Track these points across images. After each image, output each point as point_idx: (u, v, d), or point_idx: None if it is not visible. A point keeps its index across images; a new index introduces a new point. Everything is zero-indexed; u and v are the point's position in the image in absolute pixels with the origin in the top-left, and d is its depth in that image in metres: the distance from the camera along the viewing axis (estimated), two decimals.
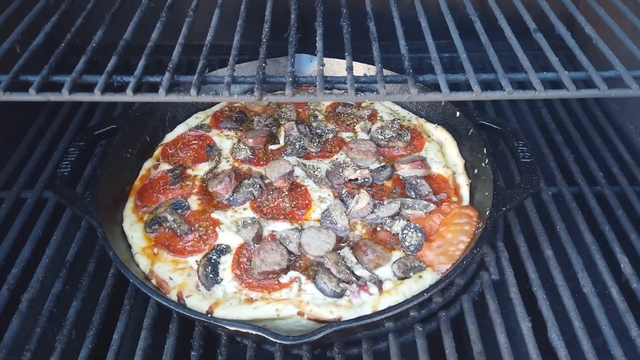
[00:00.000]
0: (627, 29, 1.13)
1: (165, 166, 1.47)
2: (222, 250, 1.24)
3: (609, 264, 1.34)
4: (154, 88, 1.01)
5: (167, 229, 1.30)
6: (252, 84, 1.04)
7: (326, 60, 1.73)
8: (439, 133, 1.56)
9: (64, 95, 1.00)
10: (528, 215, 1.45)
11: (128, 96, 0.99)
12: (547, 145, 1.67)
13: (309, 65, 1.77)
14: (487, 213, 1.24)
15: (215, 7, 1.21)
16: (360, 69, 1.67)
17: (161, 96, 1.00)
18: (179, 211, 1.33)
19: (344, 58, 1.09)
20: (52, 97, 1.00)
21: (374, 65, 1.05)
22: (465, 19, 1.21)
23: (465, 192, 1.39)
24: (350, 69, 1.05)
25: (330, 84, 1.06)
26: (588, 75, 1.00)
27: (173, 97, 1.01)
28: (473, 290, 1.28)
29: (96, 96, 0.99)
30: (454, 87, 1.00)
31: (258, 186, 1.38)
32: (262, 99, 1.01)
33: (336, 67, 1.72)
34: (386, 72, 1.62)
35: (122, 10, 1.24)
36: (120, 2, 1.26)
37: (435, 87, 0.99)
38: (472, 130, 1.46)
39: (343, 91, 1.63)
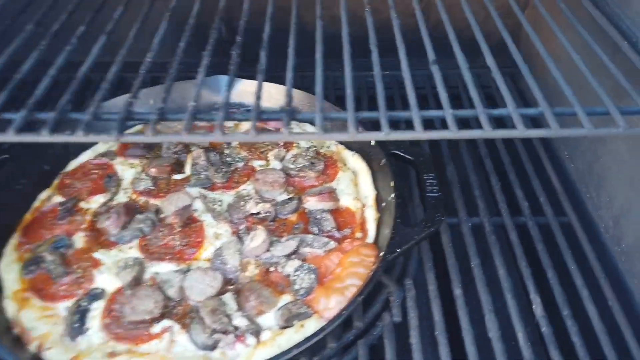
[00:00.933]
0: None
1: (58, 198, 1.38)
2: (96, 296, 1.15)
3: (524, 303, 1.27)
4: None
5: (45, 270, 1.21)
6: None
7: (250, 83, 1.66)
8: (354, 162, 1.48)
9: None
10: (444, 250, 1.37)
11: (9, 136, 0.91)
12: (475, 171, 1.60)
13: (229, 88, 1.69)
14: (380, 255, 1.16)
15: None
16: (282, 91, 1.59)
17: (44, 137, 0.91)
18: (61, 250, 1.25)
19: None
20: None
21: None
22: (412, 35, 1.14)
23: (371, 227, 1.31)
24: (258, 97, 0.96)
25: (240, 120, 0.98)
26: (540, 111, 0.91)
27: (22, 138, 0.93)
28: (373, 334, 1.19)
29: None
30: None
31: (150, 222, 1.29)
32: (120, 140, 0.93)
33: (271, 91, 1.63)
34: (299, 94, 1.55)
35: None
36: None
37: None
38: (383, 160, 1.38)
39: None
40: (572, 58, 1.03)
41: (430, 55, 1.07)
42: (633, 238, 1.26)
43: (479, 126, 0.88)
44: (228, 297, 1.14)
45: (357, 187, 1.42)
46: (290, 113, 0.93)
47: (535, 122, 0.94)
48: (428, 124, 0.89)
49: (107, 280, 1.18)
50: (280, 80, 0.97)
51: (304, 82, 1.95)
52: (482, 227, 1.43)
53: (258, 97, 0.97)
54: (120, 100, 1.51)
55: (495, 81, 1.00)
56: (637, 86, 0.98)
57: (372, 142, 1.44)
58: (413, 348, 1.16)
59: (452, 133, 0.88)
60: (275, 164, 1.48)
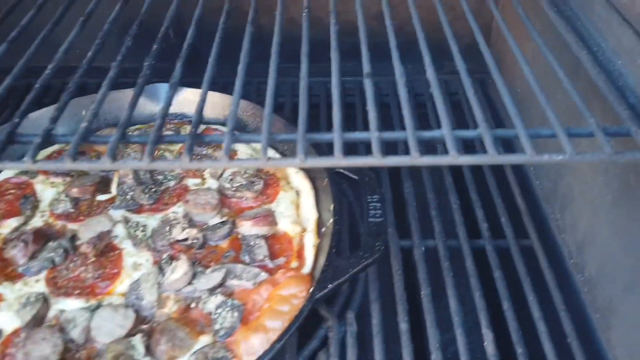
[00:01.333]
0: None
1: None
2: None
3: (476, 339, 1.15)
4: None
5: None
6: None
7: (188, 91, 1.53)
8: (298, 180, 1.35)
9: None
10: (392, 277, 1.25)
11: None
12: (433, 189, 1.48)
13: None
14: (310, 291, 1.03)
15: None
16: (216, 98, 1.47)
17: None
18: None
19: None
20: None
21: None
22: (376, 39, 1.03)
23: (309, 254, 1.18)
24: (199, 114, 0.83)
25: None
26: (515, 133, 0.79)
27: None
28: None
29: None
30: (352, 147, 0.79)
31: (62, 250, 1.16)
32: (32, 168, 0.79)
33: (194, 97, 1.51)
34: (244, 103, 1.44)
35: None
36: None
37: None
38: (326, 180, 1.25)
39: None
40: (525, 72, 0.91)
41: (366, 66, 0.95)
42: (596, 268, 1.14)
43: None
44: (137, 340, 1.01)
45: (298, 209, 1.29)
46: (232, 136, 0.81)
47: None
48: (390, 146, 0.77)
49: (6, 318, 1.05)
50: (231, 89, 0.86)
51: (260, 89, 1.84)
52: (436, 251, 1.31)
53: (199, 114, 0.84)
54: (47, 113, 1.39)
55: (463, 88, 0.88)
56: (591, 104, 0.86)
57: None
58: None
59: (415, 159, 0.75)
60: (211, 183, 1.36)
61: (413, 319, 1.17)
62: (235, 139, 0.80)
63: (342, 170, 1.26)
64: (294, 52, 0.97)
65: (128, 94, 1.23)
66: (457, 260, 1.30)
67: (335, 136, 0.78)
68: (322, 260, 1.16)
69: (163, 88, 1.56)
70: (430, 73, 0.90)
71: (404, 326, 1.15)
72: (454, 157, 0.74)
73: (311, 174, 1.34)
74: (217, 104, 1.53)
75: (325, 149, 1.14)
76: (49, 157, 1.40)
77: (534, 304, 1.18)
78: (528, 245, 1.33)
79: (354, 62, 1.07)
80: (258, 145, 1.37)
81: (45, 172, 1.38)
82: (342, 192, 1.27)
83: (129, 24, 1.05)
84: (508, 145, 1.48)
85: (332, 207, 1.19)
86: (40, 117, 1.25)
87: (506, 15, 1.11)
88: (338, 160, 0.75)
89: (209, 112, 1.56)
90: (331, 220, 1.16)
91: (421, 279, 1.24)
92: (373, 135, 0.77)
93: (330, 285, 1.02)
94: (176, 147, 1.44)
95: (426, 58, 0.94)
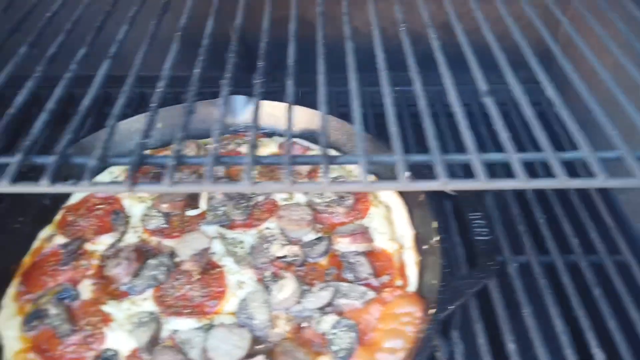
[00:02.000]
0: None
1: (60, 239, 1.24)
2: (109, 359, 1.01)
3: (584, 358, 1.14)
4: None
5: (49, 326, 1.07)
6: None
7: (267, 104, 1.51)
8: (387, 195, 1.34)
9: None
10: (490, 293, 1.24)
11: None
12: (518, 204, 1.46)
13: (245, 108, 1.56)
14: (429, 312, 1.02)
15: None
16: (306, 114, 1.45)
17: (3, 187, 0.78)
18: (66, 301, 1.10)
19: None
20: None
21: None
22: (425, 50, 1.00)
23: (412, 272, 1.17)
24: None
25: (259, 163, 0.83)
26: (581, 156, 0.78)
27: (17, 188, 0.79)
28: None
29: None
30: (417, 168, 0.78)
31: (165, 268, 1.15)
32: (134, 189, 0.79)
33: (277, 111, 1.50)
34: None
35: None
36: None
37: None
38: (423, 196, 1.24)
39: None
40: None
41: (482, 84, 0.93)
42: None
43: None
44: None
45: (391, 225, 1.28)
46: (328, 158, 0.79)
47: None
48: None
49: (119, 339, 1.04)
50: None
51: (304, 99, 1.82)
52: (529, 267, 1.30)
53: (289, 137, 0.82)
54: (129, 125, 1.38)
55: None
56: None
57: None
58: None
59: (522, 182, 0.74)
60: (299, 198, 1.34)
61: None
62: (331, 161, 0.78)
63: None
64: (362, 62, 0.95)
65: (202, 105, 1.24)
66: (551, 277, 1.29)
67: (435, 158, 0.76)
68: (426, 279, 1.15)
69: (238, 100, 1.55)
70: (517, 91, 0.88)
71: (511, 346, 1.13)
72: (523, 182, 0.73)
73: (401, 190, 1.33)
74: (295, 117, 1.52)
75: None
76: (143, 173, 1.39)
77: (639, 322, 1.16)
78: (621, 260, 1.32)
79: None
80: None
81: None
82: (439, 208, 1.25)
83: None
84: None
85: (434, 224, 1.17)
86: (123, 131, 1.25)
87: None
88: (443, 184, 0.74)
89: (282, 125, 1.55)
90: (436, 238, 1.14)
91: (521, 298, 1.22)
92: (474, 156, 0.76)
93: (451, 307, 1.01)
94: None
95: (506, 69, 0.93)
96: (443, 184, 0.74)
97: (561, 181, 0.75)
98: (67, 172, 0.79)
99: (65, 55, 0.98)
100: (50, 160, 0.79)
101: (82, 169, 0.78)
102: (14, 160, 0.78)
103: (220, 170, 1.36)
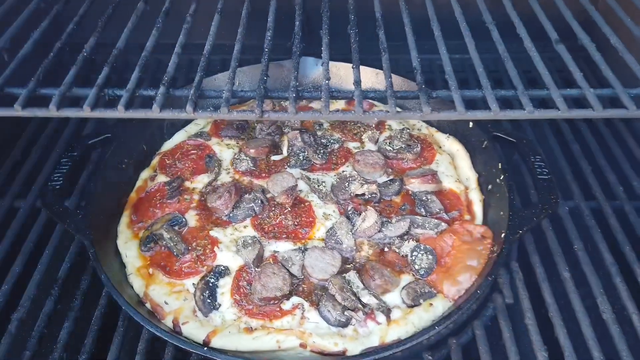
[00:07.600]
0: None
1: (162, 178, 1.40)
2: (221, 273, 1.17)
3: (631, 287, 1.27)
4: (147, 102, 0.95)
5: (163, 248, 1.23)
6: (252, 98, 0.98)
7: (332, 64, 1.65)
8: (450, 144, 1.48)
9: (52, 112, 0.93)
10: (543, 232, 1.38)
11: (119, 112, 0.92)
12: (564, 156, 1.59)
13: (314, 69, 1.70)
14: (502, 236, 1.16)
15: (215, 13, 1.14)
16: (369, 74, 1.59)
17: (155, 113, 0.93)
18: (176, 228, 1.26)
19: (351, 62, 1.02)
20: (39, 113, 0.94)
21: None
22: (477, 17, 1.13)
23: (478, 209, 1.31)
24: (357, 83, 0.98)
25: (337, 98, 1.01)
26: (614, 92, 0.93)
27: (167, 114, 0.94)
28: (485, 315, 1.20)
29: (85, 112, 0.93)
30: (470, 103, 0.93)
31: (260, 201, 1.31)
32: (264, 117, 0.94)
33: (343, 71, 1.64)
34: (396, 78, 1.54)
35: (116, 15, 1.17)
36: (114, 6, 1.18)
37: (450, 103, 0.92)
38: (485, 142, 1.38)
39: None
40: None
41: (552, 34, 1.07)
42: None
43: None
44: (352, 276, 1.15)
45: (456, 169, 1.42)
46: (427, 91, 0.94)
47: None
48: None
49: (228, 257, 1.20)
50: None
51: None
52: (578, 211, 1.43)
53: (358, 83, 0.97)
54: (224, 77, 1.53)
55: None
56: None
57: (470, 124, 1.44)
58: (530, 330, 1.16)
59: (562, 112, 0.89)
60: (370, 146, 1.49)
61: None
62: (429, 93, 0.93)
63: (500, 134, 1.39)
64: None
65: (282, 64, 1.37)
66: (599, 220, 1.42)
67: (487, 92, 0.91)
68: (492, 214, 1.29)
69: (310, 61, 1.69)
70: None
71: (566, 274, 1.27)
72: (563, 112, 0.88)
73: (462, 139, 1.47)
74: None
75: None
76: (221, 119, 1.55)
77: None
78: None
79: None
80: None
81: (218, 135, 1.52)
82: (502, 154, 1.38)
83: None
84: None
85: (500, 165, 1.31)
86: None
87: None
88: (494, 114, 0.89)
89: (346, 85, 1.68)
90: (502, 177, 1.28)
91: (572, 235, 1.36)
92: (487, 91, 0.91)
93: (520, 231, 1.15)
94: None
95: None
96: (494, 114, 0.89)
97: (597, 112, 0.90)
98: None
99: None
100: (157, 92, 0.94)
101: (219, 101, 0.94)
102: (124, 92, 0.94)
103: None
